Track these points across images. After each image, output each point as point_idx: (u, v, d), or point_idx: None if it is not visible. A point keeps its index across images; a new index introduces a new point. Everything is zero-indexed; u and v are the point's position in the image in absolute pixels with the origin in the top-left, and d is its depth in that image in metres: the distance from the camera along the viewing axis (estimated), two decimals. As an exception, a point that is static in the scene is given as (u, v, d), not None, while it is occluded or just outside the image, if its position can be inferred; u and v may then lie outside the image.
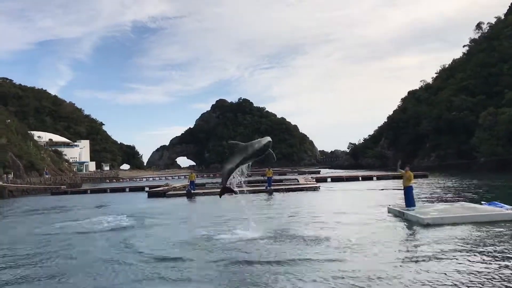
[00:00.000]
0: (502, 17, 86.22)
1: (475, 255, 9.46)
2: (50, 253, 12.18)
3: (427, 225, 13.55)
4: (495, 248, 10.09)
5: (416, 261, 9.18)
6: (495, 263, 8.72)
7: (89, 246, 13.11)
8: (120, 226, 17.24)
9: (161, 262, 10.31)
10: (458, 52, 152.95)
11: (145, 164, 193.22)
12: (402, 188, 17.06)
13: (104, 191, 48.28)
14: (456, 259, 9.21)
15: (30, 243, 14.16)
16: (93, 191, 48.46)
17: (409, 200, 16.49)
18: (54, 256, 11.74)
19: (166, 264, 10.00)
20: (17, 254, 12.29)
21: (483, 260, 9.05)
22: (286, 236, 12.88)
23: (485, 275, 7.95)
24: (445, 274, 8.09)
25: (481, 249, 10.01)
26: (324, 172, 78.78)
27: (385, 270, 8.55)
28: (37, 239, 15.04)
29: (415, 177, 42.05)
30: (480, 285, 7.41)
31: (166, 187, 40.15)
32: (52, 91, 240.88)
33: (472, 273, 8.07)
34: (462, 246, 10.47)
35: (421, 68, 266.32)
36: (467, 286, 7.41)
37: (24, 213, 26.76)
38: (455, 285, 7.47)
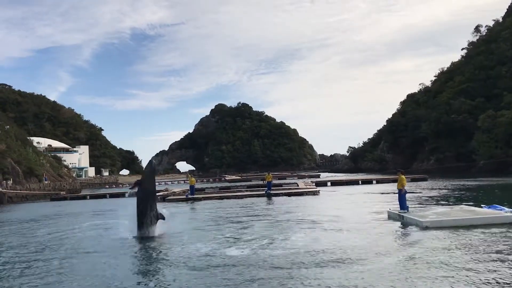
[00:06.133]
0: (500, 19, 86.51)
1: (473, 258, 9.43)
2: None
3: (426, 228, 13.52)
4: (495, 251, 10.06)
5: (414, 264, 9.15)
6: (494, 266, 8.69)
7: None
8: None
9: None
10: (453, 56, 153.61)
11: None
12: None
13: (103, 196, 48.20)
14: (454, 262, 9.18)
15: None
16: (93, 197, 48.37)
17: (399, 203, 16.68)
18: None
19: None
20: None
21: (482, 262, 9.02)
22: (286, 241, 12.85)
23: (483, 277, 7.92)
24: (444, 278, 8.07)
25: (481, 252, 9.98)
26: (324, 176, 78.80)
27: (384, 274, 8.53)
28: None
29: (415, 180, 42.51)
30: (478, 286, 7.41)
31: (166, 192, 40.11)
32: (52, 97, 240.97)
33: (470, 276, 8.04)
34: (460, 249, 10.44)
35: (418, 72, 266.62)
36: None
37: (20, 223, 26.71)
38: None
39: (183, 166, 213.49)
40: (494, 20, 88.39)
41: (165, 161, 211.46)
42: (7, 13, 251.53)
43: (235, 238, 13.87)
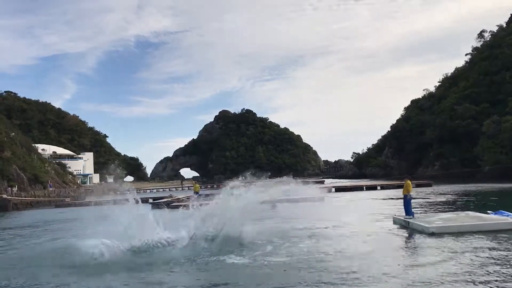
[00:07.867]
0: (504, 25, 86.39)
1: (480, 265, 9.36)
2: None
3: (432, 234, 13.43)
4: (501, 257, 9.99)
5: (422, 271, 9.08)
6: (501, 272, 8.63)
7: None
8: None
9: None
10: (455, 63, 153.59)
11: (148, 176, 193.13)
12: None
13: (108, 203, 48.13)
14: (462, 269, 9.11)
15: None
16: (97, 203, 48.32)
17: (405, 209, 16.62)
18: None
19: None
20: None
21: (489, 269, 8.96)
22: (291, 248, 12.79)
23: (492, 283, 7.86)
24: (453, 284, 8.01)
25: (487, 258, 9.91)
26: (328, 182, 78.59)
27: (392, 284, 8.48)
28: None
29: (419, 186, 42.35)
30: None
31: (170, 199, 40.13)
32: (57, 104, 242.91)
33: (478, 282, 7.98)
34: (467, 256, 10.36)
35: (421, 78, 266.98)
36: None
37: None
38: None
39: (187, 172, 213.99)
40: (498, 26, 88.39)
41: (169, 167, 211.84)
42: (14, 21, 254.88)
43: (237, 245, 13.74)
